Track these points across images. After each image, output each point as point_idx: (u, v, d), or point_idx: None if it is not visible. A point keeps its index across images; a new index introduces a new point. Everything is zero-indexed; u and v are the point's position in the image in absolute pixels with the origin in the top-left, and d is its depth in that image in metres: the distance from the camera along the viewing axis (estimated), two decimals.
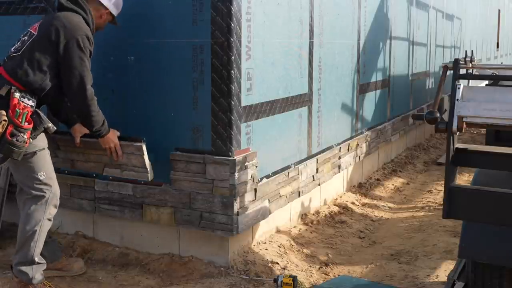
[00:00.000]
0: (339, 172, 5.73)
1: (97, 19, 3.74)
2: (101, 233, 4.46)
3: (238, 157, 3.86)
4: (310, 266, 4.30)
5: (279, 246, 4.48)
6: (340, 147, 5.68)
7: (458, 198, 2.91)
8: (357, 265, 4.42)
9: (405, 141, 8.53)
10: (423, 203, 6.17)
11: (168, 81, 4.00)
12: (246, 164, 3.94)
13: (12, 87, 3.40)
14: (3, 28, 4.60)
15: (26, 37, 3.57)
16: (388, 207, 6.03)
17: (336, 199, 5.87)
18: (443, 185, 3.08)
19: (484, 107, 2.92)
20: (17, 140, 3.30)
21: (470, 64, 3.53)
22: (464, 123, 2.97)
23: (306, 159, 4.98)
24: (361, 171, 6.65)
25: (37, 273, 3.59)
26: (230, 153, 3.85)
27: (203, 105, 3.89)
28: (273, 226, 4.68)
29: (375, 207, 5.96)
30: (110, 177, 4.18)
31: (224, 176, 3.84)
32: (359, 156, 6.27)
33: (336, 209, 5.58)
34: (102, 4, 3.74)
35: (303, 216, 5.20)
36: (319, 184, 5.24)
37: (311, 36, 4.98)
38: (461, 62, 3.19)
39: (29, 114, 3.40)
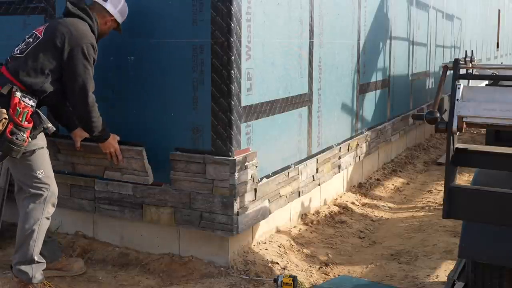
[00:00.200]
0: (339, 172, 5.73)
1: (101, 25, 3.78)
2: (101, 233, 4.46)
3: (238, 157, 3.86)
4: (310, 266, 4.30)
5: (279, 246, 4.48)
6: (340, 147, 5.68)
7: (458, 198, 2.91)
8: (357, 265, 4.42)
9: (405, 141, 8.53)
10: (423, 203, 6.17)
11: (168, 81, 4.00)
12: (246, 164, 3.94)
13: (14, 87, 3.44)
14: (3, 28, 4.60)
15: (31, 39, 3.62)
16: (388, 207, 6.03)
17: (336, 199, 5.87)
18: (443, 185, 3.08)
19: (484, 107, 2.92)
20: (17, 139, 3.33)
21: (470, 64, 3.53)
22: (464, 123, 2.97)
23: (306, 159, 4.98)
24: (361, 171, 6.65)
25: (37, 272, 3.60)
26: (230, 153, 3.85)
27: (203, 105, 3.89)
28: (273, 226, 4.68)
29: (375, 207, 5.96)
30: None
31: (224, 176, 3.84)
32: (359, 156, 6.27)
33: (336, 209, 5.58)
34: (107, 11, 3.77)
35: (303, 216, 5.20)
36: (319, 184, 5.24)
37: (311, 36, 4.98)
38: (461, 62, 3.19)
39: (29, 113, 3.43)
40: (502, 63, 17.61)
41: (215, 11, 3.78)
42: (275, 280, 3.75)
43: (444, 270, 4.19)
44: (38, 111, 3.54)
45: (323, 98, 5.30)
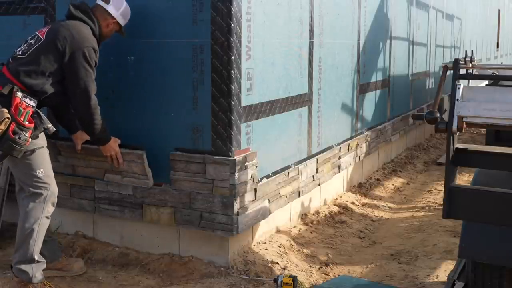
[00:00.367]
0: (339, 172, 5.73)
1: (104, 28, 3.80)
2: (101, 233, 4.47)
3: (238, 157, 3.86)
4: (310, 266, 4.30)
5: (279, 246, 4.48)
6: (340, 147, 5.68)
7: (458, 198, 2.91)
8: (357, 265, 4.42)
9: (405, 141, 8.53)
10: (423, 203, 6.17)
11: (168, 81, 4.00)
12: (246, 164, 3.94)
13: (15, 87, 3.46)
14: (3, 28, 4.61)
15: (33, 41, 3.64)
16: (388, 207, 6.03)
17: (336, 199, 5.87)
18: (443, 185, 3.08)
19: (484, 107, 2.91)
20: (19, 138, 3.35)
21: (470, 64, 3.53)
22: (464, 123, 2.97)
23: (306, 159, 4.98)
24: (361, 171, 6.65)
25: (37, 272, 3.60)
26: (230, 153, 3.85)
27: (203, 105, 3.89)
28: (273, 226, 4.68)
29: (375, 207, 5.96)
30: None
31: (224, 176, 3.84)
32: (359, 156, 6.27)
33: (336, 209, 5.58)
34: (110, 14, 3.79)
35: (303, 216, 5.20)
36: (319, 184, 5.24)
37: (311, 36, 4.98)
38: (461, 62, 3.19)
39: (31, 113, 3.45)
40: (502, 63, 17.61)
41: (215, 11, 3.78)
42: (275, 280, 3.75)
43: (444, 270, 4.19)
44: (39, 111, 3.56)
45: (323, 98, 5.30)
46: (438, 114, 2.99)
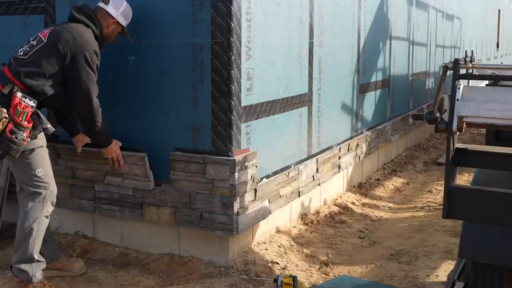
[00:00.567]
0: (339, 172, 5.73)
1: (105, 29, 3.81)
2: (101, 233, 4.47)
3: (238, 157, 3.86)
4: (310, 266, 4.30)
5: (279, 246, 4.48)
6: (340, 147, 5.68)
7: (458, 198, 2.91)
8: (357, 265, 4.42)
9: (405, 141, 8.53)
10: (423, 203, 6.17)
11: (168, 81, 4.00)
12: (246, 164, 3.94)
13: (15, 87, 3.48)
14: (3, 28, 4.61)
15: (34, 42, 3.66)
16: (388, 207, 6.03)
17: (336, 199, 5.87)
18: (443, 185, 3.08)
19: (484, 107, 2.91)
20: (16, 138, 3.37)
21: (470, 64, 3.52)
22: (464, 123, 2.97)
23: (306, 159, 4.98)
24: (361, 171, 6.65)
25: (37, 271, 3.60)
26: (230, 153, 3.85)
27: (203, 105, 3.89)
28: (273, 226, 4.68)
29: (375, 207, 5.96)
30: None
31: (224, 176, 3.84)
32: (359, 156, 6.27)
33: (336, 209, 5.58)
34: (109, 14, 3.80)
35: (303, 216, 5.20)
36: (319, 184, 5.24)
37: (311, 36, 4.98)
38: (461, 62, 3.19)
39: (29, 114, 3.46)
40: (502, 63, 17.61)
41: (215, 11, 3.78)
42: (275, 280, 3.75)
43: (444, 270, 4.19)
44: (38, 112, 3.58)
45: (323, 98, 5.30)
46: (438, 114, 2.99)
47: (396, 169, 7.44)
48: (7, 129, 3.35)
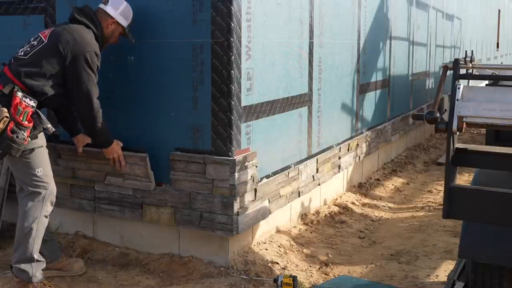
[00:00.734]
0: (339, 172, 5.73)
1: (105, 29, 3.81)
2: (101, 233, 4.47)
3: (238, 157, 3.86)
4: (310, 266, 4.30)
5: (279, 246, 4.48)
6: (340, 147, 5.68)
7: (458, 198, 2.91)
8: (357, 265, 4.42)
9: (405, 141, 8.53)
10: (423, 203, 6.17)
11: (168, 81, 4.00)
12: (246, 164, 3.94)
13: (15, 87, 3.49)
14: (3, 28, 4.61)
15: (35, 42, 3.67)
16: (388, 207, 6.03)
17: (336, 199, 5.87)
18: (443, 185, 3.08)
19: (484, 107, 2.91)
20: (17, 137, 3.38)
21: (470, 64, 3.52)
22: (464, 123, 2.97)
23: (306, 159, 4.98)
24: (361, 171, 6.65)
25: (37, 271, 3.60)
26: (230, 153, 3.85)
27: (203, 105, 3.89)
28: (273, 226, 4.68)
29: (375, 207, 5.96)
30: None
31: (224, 176, 3.84)
32: (359, 156, 6.27)
33: (336, 209, 5.58)
34: (108, 14, 3.80)
35: (303, 216, 5.20)
36: (319, 184, 5.24)
37: (311, 36, 4.98)
38: (461, 62, 3.19)
39: (30, 113, 3.47)
40: (502, 63, 17.61)
41: (215, 11, 3.78)
42: (275, 280, 3.75)
43: (444, 270, 4.19)
44: (39, 111, 3.59)
45: (323, 98, 5.30)
46: (438, 114, 2.99)
47: (396, 169, 7.44)
48: (8, 128, 3.36)
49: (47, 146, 3.69)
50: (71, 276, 3.95)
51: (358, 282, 3.99)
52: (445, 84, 3.32)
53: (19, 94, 3.45)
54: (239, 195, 3.89)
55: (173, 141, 4.01)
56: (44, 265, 3.68)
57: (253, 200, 4.07)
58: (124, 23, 3.87)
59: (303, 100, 4.90)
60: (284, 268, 4.14)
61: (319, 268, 4.30)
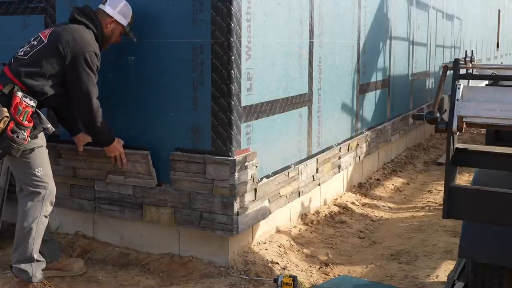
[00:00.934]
0: (339, 172, 5.73)
1: (104, 29, 3.81)
2: (101, 233, 4.47)
3: (238, 157, 3.86)
4: (310, 266, 4.30)
5: (279, 246, 4.48)
6: (340, 147, 5.68)
7: (458, 198, 2.91)
8: (357, 265, 4.42)
9: (405, 141, 8.53)
10: (423, 203, 6.17)
11: (168, 81, 4.00)
12: (246, 164, 3.94)
13: (15, 87, 3.50)
14: (3, 28, 4.61)
15: (35, 42, 3.68)
16: (388, 207, 6.03)
17: (336, 199, 5.87)
18: (443, 185, 3.08)
19: (484, 107, 2.91)
20: (17, 137, 3.38)
21: (470, 64, 3.52)
22: (464, 123, 2.97)
23: (306, 159, 4.98)
24: (361, 171, 6.65)
25: (37, 271, 3.60)
26: (230, 153, 3.85)
27: (203, 105, 3.89)
28: (273, 226, 4.68)
29: (375, 207, 5.96)
30: None
31: (224, 176, 3.84)
32: (359, 156, 6.27)
33: (336, 209, 5.58)
34: (107, 14, 3.79)
35: (303, 216, 5.20)
36: (319, 184, 5.24)
37: (311, 36, 4.98)
38: (461, 62, 3.19)
39: (30, 113, 3.48)
40: (502, 63, 17.61)
41: (215, 11, 3.78)
42: (275, 280, 3.75)
43: (444, 270, 4.19)
44: (39, 111, 3.60)
45: (323, 98, 5.30)
46: (438, 114, 2.99)
47: (396, 169, 7.44)
48: (8, 128, 3.36)
49: (47, 146, 3.69)
50: (71, 276, 3.95)
51: (358, 282, 3.99)
52: (445, 84, 3.32)
53: (19, 94, 3.45)
54: (239, 195, 3.89)
55: (173, 141, 4.01)
56: (44, 265, 3.68)
57: (253, 200, 4.07)
58: (124, 21, 3.87)
59: (303, 100, 4.90)
60: (284, 268, 4.14)
61: (319, 268, 4.30)
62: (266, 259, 4.21)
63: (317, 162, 5.15)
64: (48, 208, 3.65)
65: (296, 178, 4.74)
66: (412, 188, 6.87)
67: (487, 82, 4.61)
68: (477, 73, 3.69)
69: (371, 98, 6.69)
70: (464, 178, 6.78)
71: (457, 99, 2.94)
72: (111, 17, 3.82)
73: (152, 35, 4.01)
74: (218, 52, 3.80)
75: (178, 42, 3.93)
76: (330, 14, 5.34)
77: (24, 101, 3.45)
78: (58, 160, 4.33)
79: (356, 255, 4.66)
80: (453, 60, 3.23)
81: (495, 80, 3.83)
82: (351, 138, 6.02)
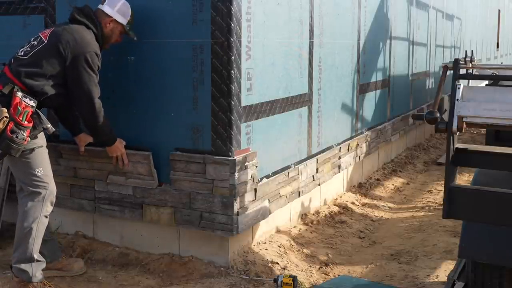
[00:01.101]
0: (339, 172, 5.73)
1: (104, 29, 3.81)
2: (101, 233, 4.47)
3: (238, 157, 3.86)
4: (310, 266, 4.30)
5: (279, 246, 4.48)
6: (340, 147, 5.68)
7: (458, 198, 2.91)
8: (357, 265, 4.42)
9: (405, 141, 8.53)
10: (423, 203, 6.17)
11: (168, 81, 4.00)
12: (246, 164, 3.94)
13: (15, 87, 3.50)
14: (3, 28, 4.61)
15: (35, 42, 3.68)
16: (388, 207, 6.03)
17: (336, 199, 5.87)
18: (443, 185, 3.08)
19: (484, 107, 2.91)
20: (17, 137, 3.38)
21: (470, 64, 3.52)
22: (464, 123, 2.97)
23: (306, 159, 4.98)
24: (361, 171, 6.65)
25: (37, 271, 3.60)
26: (230, 153, 3.85)
27: (203, 105, 3.90)
28: (273, 226, 4.68)
29: (375, 207, 5.96)
30: None
31: (224, 176, 3.84)
32: (359, 156, 6.27)
33: (336, 209, 5.58)
34: (106, 13, 3.79)
35: (303, 216, 5.20)
36: (319, 184, 5.24)
37: (311, 36, 4.98)
38: (461, 62, 3.19)
39: (30, 113, 3.47)
40: (502, 63, 17.61)
41: (215, 11, 3.78)
42: (275, 280, 3.75)
43: (444, 270, 4.19)
44: (39, 111, 3.59)
45: (323, 98, 5.30)
46: (438, 114, 2.99)
47: (396, 169, 7.44)
48: (8, 128, 3.36)
49: (47, 146, 3.69)
50: (71, 276, 3.95)
51: (358, 282, 4.00)
52: (445, 84, 3.32)
53: (19, 94, 3.45)
54: (239, 195, 3.89)
55: (173, 141, 4.01)
56: (44, 265, 3.68)
57: (253, 200, 4.07)
58: (123, 20, 3.87)
59: (303, 100, 4.90)
60: (284, 268, 4.14)
61: (319, 268, 4.30)
62: (266, 259, 4.21)
63: (317, 162, 5.15)
64: (49, 208, 3.65)
65: (296, 178, 4.74)
66: (412, 188, 6.87)
67: (487, 82, 4.61)
68: (477, 73, 3.69)
69: (371, 98, 6.69)
70: (464, 178, 6.78)
71: (457, 99, 2.94)
72: (110, 16, 3.82)
73: (152, 35, 4.01)
74: (218, 52, 3.80)
75: (178, 42, 3.93)
76: (330, 14, 5.34)
77: (24, 101, 3.45)
78: (59, 160, 4.33)
79: (356, 255, 4.66)
80: (453, 60, 3.23)
81: (495, 80, 3.83)
82: (351, 138, 6.02)
